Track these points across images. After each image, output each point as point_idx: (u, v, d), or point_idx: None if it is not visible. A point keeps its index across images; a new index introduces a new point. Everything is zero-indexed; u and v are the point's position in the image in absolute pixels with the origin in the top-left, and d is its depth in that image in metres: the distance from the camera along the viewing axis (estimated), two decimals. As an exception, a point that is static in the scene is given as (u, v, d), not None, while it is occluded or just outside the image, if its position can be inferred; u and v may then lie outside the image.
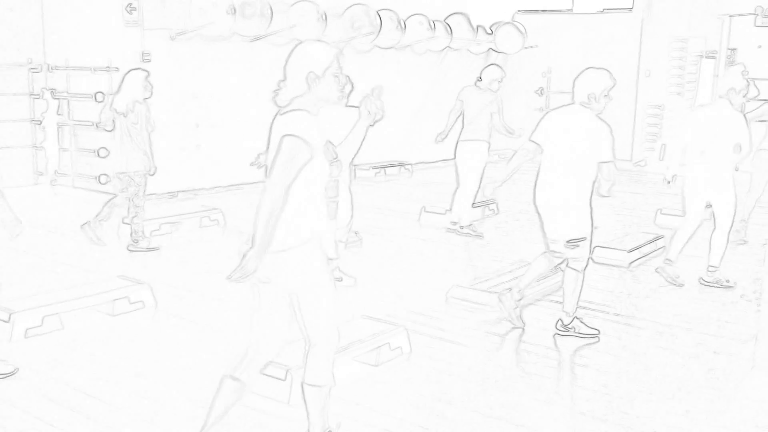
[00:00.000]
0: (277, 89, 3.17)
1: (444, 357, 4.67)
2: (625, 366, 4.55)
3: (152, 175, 6.95)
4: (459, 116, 7.96)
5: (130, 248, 7.02)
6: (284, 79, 3.16)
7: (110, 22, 9.14)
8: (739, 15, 11.42)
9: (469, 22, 12.95)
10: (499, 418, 3.87)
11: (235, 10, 9.56)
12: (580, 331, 4.97)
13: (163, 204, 8.10)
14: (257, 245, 3.02)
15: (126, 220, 7.12)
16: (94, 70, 9.22)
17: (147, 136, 6.80)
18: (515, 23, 13.41)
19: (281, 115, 3.12)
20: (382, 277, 6.48)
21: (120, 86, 6.79)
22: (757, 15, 11.15)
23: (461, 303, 5.61)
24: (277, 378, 4.04)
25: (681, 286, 6.11)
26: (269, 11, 9.95)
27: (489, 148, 7.90)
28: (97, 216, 7.09)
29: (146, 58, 9.10)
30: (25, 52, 9.32)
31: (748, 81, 6.01)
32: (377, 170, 11.74)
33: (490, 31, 13.36)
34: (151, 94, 6.86)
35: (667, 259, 6.24)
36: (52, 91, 9.56)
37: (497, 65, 8.07)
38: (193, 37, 9.51)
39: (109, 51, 9.20)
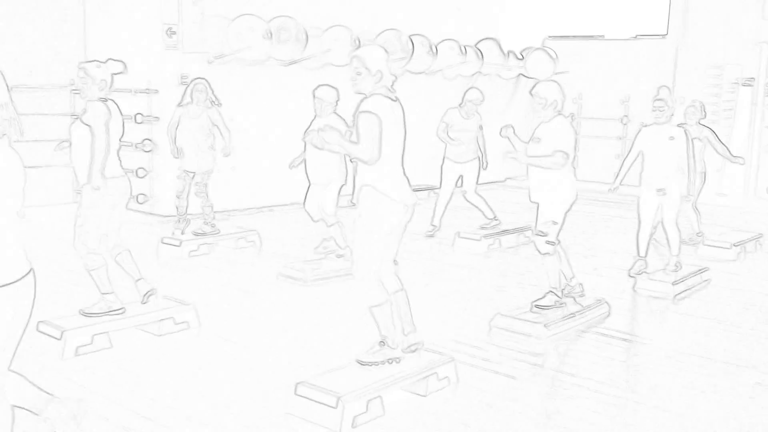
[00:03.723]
0: None
1: (491, 389, 4.62)
2: (693, 401, 4.48)
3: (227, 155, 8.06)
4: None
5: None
6: None
7: (150, 45, 9.25)
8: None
9: (500, 48, 12.99)
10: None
11: (271, 35, 9.66)
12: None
13: (198, 224, 8.15)
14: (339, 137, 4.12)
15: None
16: (134, 92, 9.31)
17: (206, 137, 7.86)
18: (546, 49, 13.43)
19: None
20: (421, 303, 6.42)
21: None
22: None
23: (505, 333, 5.56)
24: (328, 405, 4.02)
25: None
26: (304, 36, 10.05)
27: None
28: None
29: (184, 80, 9.19)
30: (67, 74, 9.45)
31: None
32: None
33: (520, 57, 13.39)
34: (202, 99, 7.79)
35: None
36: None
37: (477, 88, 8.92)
38: (230, 60, 9.60)
39: (149, 73, 9.30)
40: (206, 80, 7.78)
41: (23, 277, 2.88)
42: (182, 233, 7.95)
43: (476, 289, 7.04)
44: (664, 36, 12.74)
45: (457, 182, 8.94)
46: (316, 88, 7.07)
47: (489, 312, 5.87)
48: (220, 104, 7.85)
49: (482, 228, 8.88)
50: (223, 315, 5.86)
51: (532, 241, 5.82)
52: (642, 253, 7.09)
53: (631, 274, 7.05)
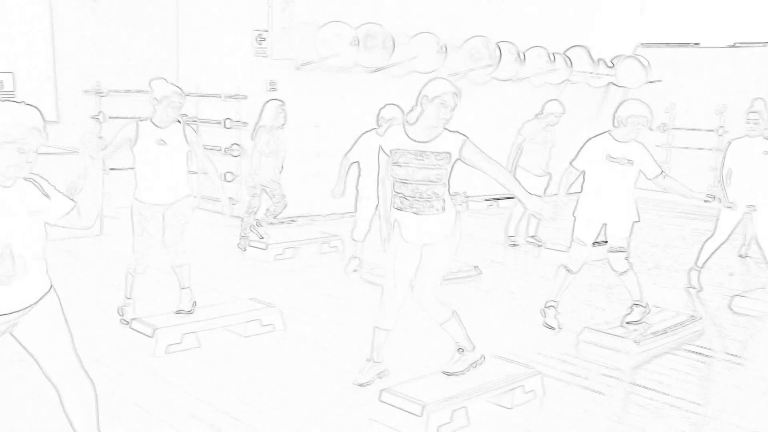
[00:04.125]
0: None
1: (578, 403, 4.50)
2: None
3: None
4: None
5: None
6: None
7: (240, 51, 9.44)
8: None
9: (590, 55, 12.71)
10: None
11: (358, 42, 9.71)
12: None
13: (283, 228, 8.27)
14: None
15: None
16: (224, 97, 9.52)
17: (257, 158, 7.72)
18: (638, 57, 13.09)
19: None
20: (505, 314, 6.36)
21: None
22: None
23: (593, 347, 5.40)
24: (413, 414, 3.98)
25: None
26: (391, 43, 10.05)
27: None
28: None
29: (273, 86, 9.33)
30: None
31: None
32: (490, 203, 11.62)
33: (611, 65, 13.08)
34: (283, 123, 7.67)
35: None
36: (183, 116, 9.93)
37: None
38: (317, 67, 9.70)
39: (238, 79, 9.49)
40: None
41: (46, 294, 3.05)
42: (245, 250, 7.96)
43: (562, 302, 6.85)
44: (765, 44, 12.22)
45: None
46: (382, 108, 6.98)
47: (576, 325, 5.74)
48: None
49: (531, 239, 8.84)
50: (307, 318, 5.90)
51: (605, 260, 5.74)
52: (700, 264, 6.98)
53: (692, 284, 7.00)
